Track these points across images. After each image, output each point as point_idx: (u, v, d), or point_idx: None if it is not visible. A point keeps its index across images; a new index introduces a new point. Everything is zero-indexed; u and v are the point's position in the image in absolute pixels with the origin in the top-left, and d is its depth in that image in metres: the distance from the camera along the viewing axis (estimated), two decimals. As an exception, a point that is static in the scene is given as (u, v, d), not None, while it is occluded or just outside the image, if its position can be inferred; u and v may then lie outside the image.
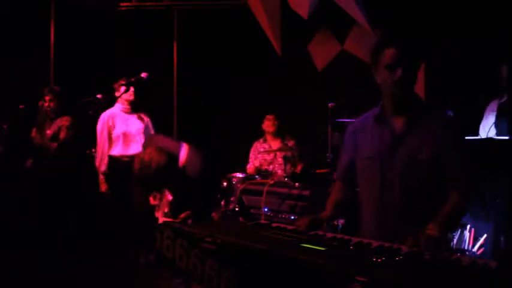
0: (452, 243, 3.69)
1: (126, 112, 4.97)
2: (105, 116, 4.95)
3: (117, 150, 4.92)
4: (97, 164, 4.96)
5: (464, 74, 4.68)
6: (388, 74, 2.14)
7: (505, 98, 4.07)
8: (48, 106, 5.22)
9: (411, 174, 2.13)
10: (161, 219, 3.62)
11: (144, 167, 3.20)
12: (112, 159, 4.92)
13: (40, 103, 5.26)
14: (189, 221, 3.45)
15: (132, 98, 4.92)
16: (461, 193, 2.10)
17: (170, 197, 3.58)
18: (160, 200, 3.82)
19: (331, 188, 2.57)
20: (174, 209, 3.53)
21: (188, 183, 3.41)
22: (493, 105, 4.16)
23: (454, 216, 2.11)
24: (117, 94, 4.88)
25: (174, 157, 3.34)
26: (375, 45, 2.26)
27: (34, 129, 5.29)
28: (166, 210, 3.58)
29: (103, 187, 4.94)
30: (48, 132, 5.16)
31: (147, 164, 3.19)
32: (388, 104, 2.23)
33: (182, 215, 3.44)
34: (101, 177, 4.94)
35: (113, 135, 4.93)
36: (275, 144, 5.53)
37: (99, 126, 4.95)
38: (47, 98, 5.21)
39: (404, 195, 2.14)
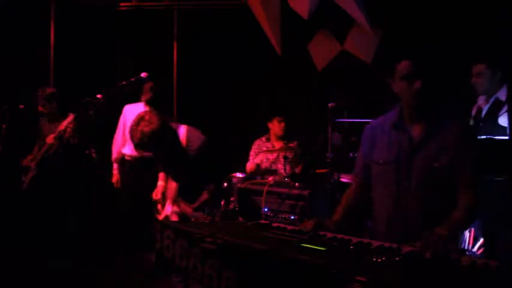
0: (462, 244, 3.69)
1: None
2: (125, 108, 4.97)
3: (125, 148, 4.94)
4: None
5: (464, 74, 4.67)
6: (406, 85, 2.15)
7: (478, 102, 4.09)
8: (45, 110, 5.20)
9: (428, 182, 2.14)
10: (171, 213, 3.59)
11: (140, 120, 3.12)
12: (123, 154, 4.95)
13: (22, 106, 5.22)
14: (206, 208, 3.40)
15: (147, 97, 4.87)
16: (472, 196, 2.11)
17: (174, 184, 3.54)
18: (163, 196, 3.80)
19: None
20: (184, 194, 3.49)
21: (192, 163, 3.35)
22: (474, 110, 4.18)
23: (464, 219, 2.12)
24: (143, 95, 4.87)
25: (173, 128, 3.29)
26: (387, 54, 2.29)
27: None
28: (175, 196, 3.53)
29: (114, 178, 4.95)
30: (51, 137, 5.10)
31: (142, 117, 3.12)
32: (407, 112, 2.24)
33: (201, 200, 3.38)
34: (114, 166, 4.95)
35: (125, 130, 4.95)
36: (278, 144, 5.54)
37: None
38: (42, 101, 5.19)
39: (419, 202, 2.15)
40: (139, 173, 4.76)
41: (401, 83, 2.16)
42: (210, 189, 3.36)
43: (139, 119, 3.09)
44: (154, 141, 3.06)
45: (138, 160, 4.82)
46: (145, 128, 3.03)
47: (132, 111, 4.95)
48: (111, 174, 5.02)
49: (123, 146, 4.97)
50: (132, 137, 3.11)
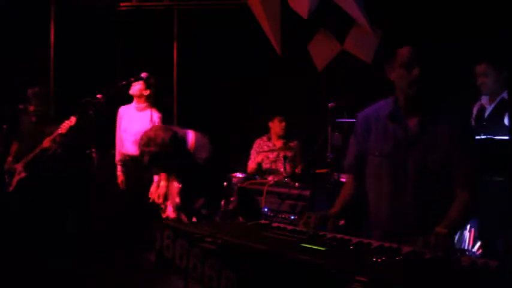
0: (462, 244, 3.70)
1: (139, 109, 4.94)
2: (119, 110, 4.99)
3: (123, 148, 4.97)
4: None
5: (464, 74, 4.67)
6: (404, 73, 2.12)
7: (481, 101, 4.09)
8: (35, 110, 5.20)
9: (424, 175, 2.13)
10: (172, 213, 3.59)
11: (149, 141, 3.11)
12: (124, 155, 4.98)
13: (22, 106, 5.20)
14: (204, 212, 3.41)
15: (137, 93, 4.88)
16: (470, 193, 2.10)
17: (178, 185, 3.54)
18: (164, 198, 3.80)
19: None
20: (185, 198, 3.49)
21: (197, 168, 3.35)
22: (476, 108, 4.17)
23: (463, 216, 2.11)
24: (130, 92, 4.86)
25: (181, 138, 3.27)
26: (387, 42, 2.28)
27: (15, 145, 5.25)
28: (177, 201, 3.53)
29: (119, 179, 4.96)
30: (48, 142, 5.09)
31: (152, 139, 3.11)
32: (403, 103, 2.20)
33: (197, 205, 3.39)
34: (118, 168, 4.97)
35: (121, 131, 4.97)
36: (279, 143, 5.55)
37: None
38: (33, 101, 5.18)
39: (416, 195, 2.14)
40: (139, 171, 4.76)
41: (400, 70, 2.14)
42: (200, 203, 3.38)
43: (148, 140, 3.09)
44: (163, 161, 3.11)
45: (135, 159, 4.83)
46: (154, 148, 3.05)
47: (126, 112, 4.97)
48: (112, 175, 5.03)
49: (122, 147, 4.99)
50: (141, 157, 3.13)
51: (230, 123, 6.37)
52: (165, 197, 3.79)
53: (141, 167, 4.75)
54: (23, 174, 5.11)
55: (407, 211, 2.16)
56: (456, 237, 3.75)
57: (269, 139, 5.64)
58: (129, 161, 4.88)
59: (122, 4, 6.56)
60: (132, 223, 4.80)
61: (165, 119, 5.26)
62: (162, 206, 3.78)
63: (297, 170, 5.22)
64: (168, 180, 3.79)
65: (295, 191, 4.49)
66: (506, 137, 3.71)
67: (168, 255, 2.03)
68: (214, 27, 6.31)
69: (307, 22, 5.27)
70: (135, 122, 4.92)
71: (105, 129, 5.14)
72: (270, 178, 5.20)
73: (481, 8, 4.78)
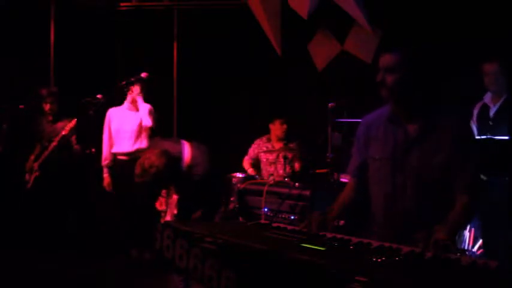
0: (462, 244, 3.70)
1: (131, 109, 4.96)
2: (108, 112, 5.00)
3: (115, 148, 4.95)
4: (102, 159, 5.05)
5: (464, 74, 4.67)
6: (385, 78, 2.15)
7: (484, 100, 4.09)
8: (50, 109, 5.23)
9: (423, 178, 2.13)
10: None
11: (144, 172, 3.16)
12: (114, 156, 4.96)
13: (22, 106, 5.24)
14: None
15: (138, 95, 4.90)
16: (470, 195, 2.10)
17: (176, 196, 3.56)
18: (167, 205, 3.81)
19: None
20: (183, 209, 3.51)
21: (194, 183, 3.38)
22: (477, 108, 4.18)
23: (463, 219, 2.12)
24: (129, 94, 4.88)
25: (176, 159, 3.30)
26: (387, 42, 2.28)
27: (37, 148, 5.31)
28: (175, 212, 3.55)
29: (105, 182, 4.97)
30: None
31: (146, 169, 3.15)
32: (396, 107, 2.23)
33: (194, 216, 3.42)
34: (104, 171, 4.97)
35: (112, 132, 4.96)
36: (278, 145, 5.53)
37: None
38: (48, 100, 5.22)
39: (415, 197, 2.15)
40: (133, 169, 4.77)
41: (382, 75, 2.16)
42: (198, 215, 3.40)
43: (143, 171, 3.12)
44: (159, 185, 3.14)
45: (132, 158, 4.84)
46: (149, 178, 3.09)
47: (116, 113, 4.98)
48: (112, 175, 5.03)
49: (112, 147, 4.98)
50: (137, 184, 3.19)
51: (230, 124, 6.37)
52: (166, 205, 3.81)
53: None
54: (37, 173, 5.17)
55: (407, 212, 2.16)
56: (456, 237, 3.75)
57: (269, 140, 5.61)
58: (126, 159, 4.88)
59: (122, 4, 6.56)
60: (130, 223, 4.81)
61: (165, 120, 5.27)
62: (163, 214, 3.80)
63: (296, 170, 5.21)
64: (167, 192, 3.82)
65: (295, 191, 4.49)
66: (506, 137, 3.72)
67: (168, 255, 2.03)
68: (214, 27, 6.31)
69: (307, 22, 5.27)
70: (129, 120, 4.92)
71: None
72: (270, 178, 5.20)
73: (483, 7, 4.77)
